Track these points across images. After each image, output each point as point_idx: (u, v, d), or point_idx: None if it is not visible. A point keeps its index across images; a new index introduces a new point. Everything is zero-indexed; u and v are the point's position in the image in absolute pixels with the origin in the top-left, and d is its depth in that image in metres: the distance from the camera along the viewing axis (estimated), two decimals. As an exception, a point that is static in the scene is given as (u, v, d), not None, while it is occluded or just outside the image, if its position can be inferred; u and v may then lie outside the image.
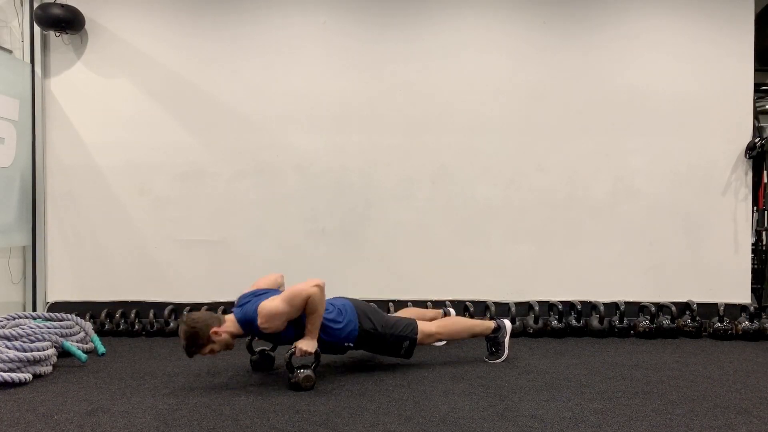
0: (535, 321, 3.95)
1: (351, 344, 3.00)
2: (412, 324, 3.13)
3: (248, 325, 2.78)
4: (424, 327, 3.15)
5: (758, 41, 4.24)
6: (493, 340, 3.29)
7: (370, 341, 3.05)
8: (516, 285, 4.23)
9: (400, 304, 4.01)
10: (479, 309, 4.08)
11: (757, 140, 4.18)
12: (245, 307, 2.82)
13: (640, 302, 4.06)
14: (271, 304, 2.73)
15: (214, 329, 2.73)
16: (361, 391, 2.71)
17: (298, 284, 2.76)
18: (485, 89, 4.25)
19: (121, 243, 4.23)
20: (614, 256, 4.24)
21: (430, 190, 4.25)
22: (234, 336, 2.81)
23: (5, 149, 3.90)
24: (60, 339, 3.17)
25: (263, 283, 3.08)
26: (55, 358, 3.13)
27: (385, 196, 4.24)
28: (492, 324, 3.30)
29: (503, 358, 3.27)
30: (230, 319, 2.82)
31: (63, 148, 4.24)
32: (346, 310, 3.01)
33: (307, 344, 2.78)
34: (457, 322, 3.31)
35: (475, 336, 3.31)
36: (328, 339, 2.91)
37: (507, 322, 3.34)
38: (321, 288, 2.76)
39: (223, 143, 4.23)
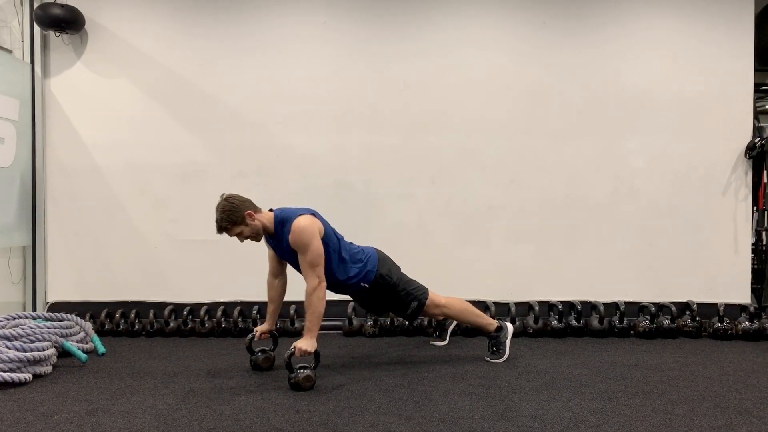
0: (535, 321, 3.95)
1: (366, 285, 3.08)
2: (424, 288, 3.21)
3: (281, 225, 2.90)
4: (434, 296, 3.21)
5: (758, 41, 4.24)
6: (495, 339, 3.30)
7: (383, 289, 3.11)
8: (516, 285, 4.23)
9: (400, 304, 4.02)
10: (479, 309, 4.06)
11: (757, 140, 4.18)
12: (285, 211, 2.95)
13: (640, 302, 4.06)
14: (306, 220, 2.85)
15: (250, 212, 2.83)
16: (361, 391, 2.72)
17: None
18: (485, 89, 4.25)
19: (121, 243, 4.23)
20: (614, 256, 4.24)
21: (430, 190, 4.25)
22: (265, 229, 2.92)
23: (5, 149, 3.90)
24: (60, 339, 3.17)
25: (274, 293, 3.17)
26: (55, 358, 3.13)
27: (385, 196, 4.24)
28: (495, 323, 3.32)
29: (504, 358, 3.27)
30: (268, 215, 2.94)
31: (63, 148, 4.24)
32: (369, 253, 3.15)
33: (307, 344, 2.78)
34: (465, 303, 3.33)
35: (477, 327, 3.33)
36: (347, 274, 3.01)
37: (510, 325, 3.37)
38: (323, 286, 2.85)
39: (223, 143, 4.23)
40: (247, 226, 2.86)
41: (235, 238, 2.92)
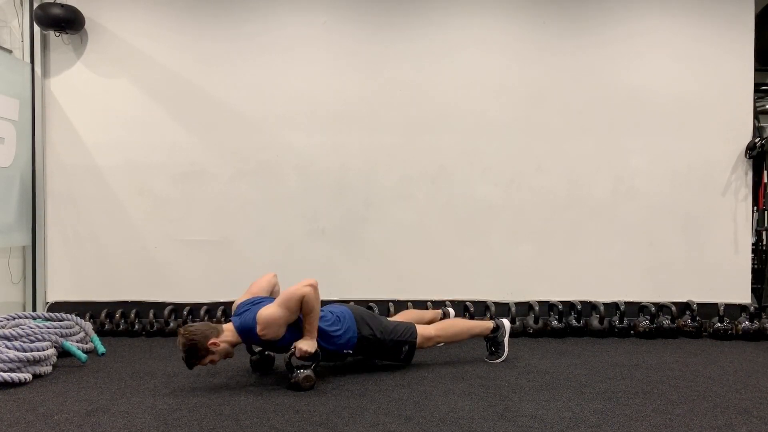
0: (535, 321, 3.95)
1: (350, 351, 3.00)
2: (411, 328, 3.13)
3: (247, 333, 2.77)
4: (423, 331, 3.14)
5: (758, 41, 4.24)
6: (493, 339, 3.29)
7: (369, 347, 3.05)
8: (516, 285, 4.23)
9: (400, 304, 4.02)
10: (479, 309, 4.08)
11: (757, 140, 4.18)
12: (243, 316, 2.81)
13: (640, 302, 4.06)
14: (268, 311, 2.73)
15: (212, 340, 2.71)
16: (361, 391, 2.71)
17: (292, 287, 2.75)
18: (485, 89, 4.25)
19: (121, 243, 4.23)
20: (614, 256, 4.24)
21: (430, 190, 4.25)
22: (233, 345, 2.80)
23: (5, 149, 3.90)
24: (60, 339, 3.17)
25: (256, 287, 3.07)
26: (55, 358, 3.13)
27: (385, 196, 4.24)
28: (491, 324, 3.30)
29: (503, 357, 3.27)
30: (228, 328, 2.81)
31: (63, 148, 4.24)
32: (344, 317, 3.01)
33: (307, 344, 2.78)
34: (455, 324, 3.30)
35: (474, 337, 3.32)
36: (327, 347, 2.90)
37: (506, 322, 3.34)
38: (314, 287, 2.76)
39: (223, 143, 4.23)
40: (214, 354, 2.73)
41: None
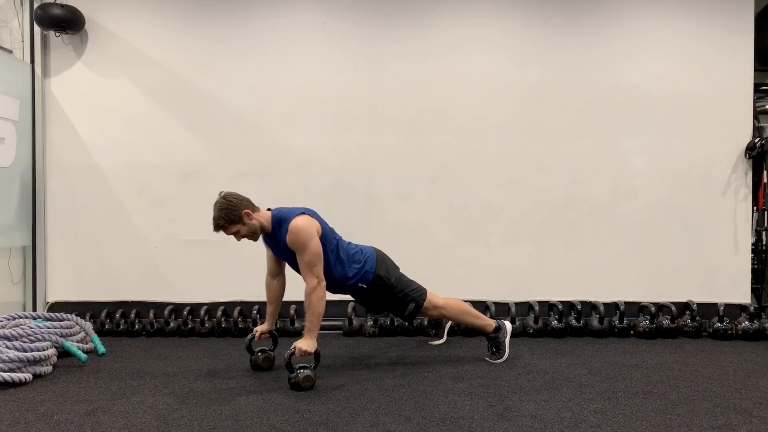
0: (535, 321, 3.95)
1: (364, 285, 3.06)
2: (422, 290, 3.20)
3: (279, 224, 2.89)
4: (432, 297, 3.20)
5: (758, 41, 4.24)
6: (494, 339, 3.30)
7: (380, 290, 3.10)
8: (516, 285, 4.23)
9: (400, 304, 4.02)
10: (479, 309, 4.04)
11: (757, 140, 4.18)
12: (283, 210, 2.95)
13: (640, 302, 4.06)
14: (304, 220, 2.85)
15: (248, 211, 2.82)
16: (361, 391, 2.72)
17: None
18: (485, 88, 4.25)
19: (121, 243, 4.23)
20: (614, 256, 4.24)
21: (430, 190, 4.25)
22: (262, 229, 2.90)
23: (5, 149, 3.90)
24: (60, 339, 3.18)
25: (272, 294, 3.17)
26: (55, 358, 3.13)
27: (385, 196, 4.24)
28: (493, 323, 3.31)
29: (504, 358, 3.27)
30: (266, 214, 2.93)
31: (63, 148, 4.24)
32: (368, 252, 3.13)
33: (307, 344, 2.78)
34: (462, 305, 3.31)
35: (476, 328, 3.32)
36: (344, 275, 2.99)
37: (508, 324, 3.36)
38: (323, 285, 2.84)
39: (223, 143, 4.23)
40: (244, 225, 2.85)
41: (233, 236, 2.91)
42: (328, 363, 3.18)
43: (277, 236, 2.93)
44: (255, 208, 2.91)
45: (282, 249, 2.93)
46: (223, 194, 2.87)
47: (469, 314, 3.28)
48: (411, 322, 3.30)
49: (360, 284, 3.06)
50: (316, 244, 2.84)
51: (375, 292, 3.12)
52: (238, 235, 2.89)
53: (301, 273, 2.89)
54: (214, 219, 2.84)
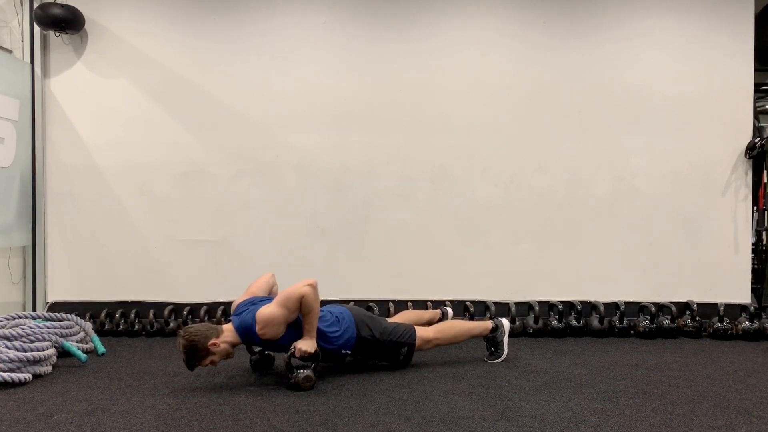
0: (535, 321, 3.95)
1: (348, 351, 3.00)
2: (410, 330, 3.13)
3: (246, 333, 2.78)
4: (422, 333, 3.14)
5: (758, 41, 4.24)
6: (492, 339, 3.29)
7: (368, 348, 3.05)
8: (516, 285, 4.23)
9: (400, 304, 4.02)
10: (479, 309, 4.08)
11: (757, 140, 4.18)
12: (243, 316, 2.81)
13: (640, 302, 4.06)
14: (267, 310, 2.73)
15: (213, 341, 2.71)
16: (361, 391, 2.71)
17: (291, 286, 2.75)
18: (485, 89, 4.25)
19: (121, 243, 4.23)
20: (614, 256, 4.24)
21: (430, 190, 4.25)
22: (233, 345, 2.80)
23: (5, 149, 3.90)
24: (60, 339, 3.17)
25: (255, 287, 3.06)
26: (55, 358, 3.13)
27: (385, 196, 4.24)
28: (489, 324, 3.30)
29: (503, 357, 3.27)
30: (228, 328, 2.81)
31: (63, 148, 4.24)
32: (343, 318, 3.01)
33: (306, 344, 2.78)
34: (454, 326, 3.29)
35: (474, 337, 3.32)
36: (326, 347, 2.90)
37: (505, 321, 3.33)
38: (314, 287, 2.76)
39: (222, 143, 4.23)
40: (214, 354, 2.73)
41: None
42: (328, 363, 3.18)
43: (251, 341, 2.86)
44: (219, 332, 2.76)
45: (266, 343, 2.86)
46: (182, 334, 2.70)
47: (462, 332, 3.25)
48: (408, 364, 3.19)
49: (344, 351, 2.98)
50: (285, 308, 2.72)
51: (363, 352, 3.07)
52: (214, 364, 2.77)
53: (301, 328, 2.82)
54: (184, 362, 2.72)
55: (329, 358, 3.00)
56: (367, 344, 3.03)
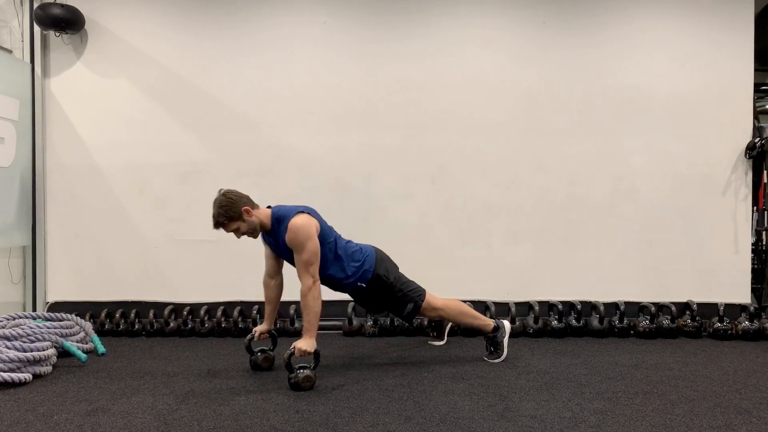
0: (535, 321, 3.95)
1: (363, 284, 3.07)
2: (421, 290, 3.20)
3: (278, 222, 2.89)
4: (431, 298, 3.20)
5: (758, 41, 4.24)
6: (492, 339, 3.30)
7: (379, 289, 3.10)
8: (516, 285, 4.23)
9: (400, 304, 4.02)
10: (479, 309, 4.04)
11: (757, 140, 4.18)
12: (284, 208, 2.95)
13: (640, 302, 4.06)
14: (303, 220, 2.84)
15: (248, 208, 2.81)
16: (361, 391, 2.72)
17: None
18: (485, 88, 4.25)
19: (121, 243, 4.23)
20: (614, 256, 4.24)
21: (430, 190, 4.25)
22: (262, 226, 2.91)
23: (5, 149, 3.90)
24: (60, 339, 3.17)
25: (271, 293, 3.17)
26: (55, 358, 3.13)
27: (385, 196, 4.24)
28: (492, 323, 3.31)
29: (502, 357, 3.27)
30: (266, 211, 2.94)
31: (63, 148, 4.24)
32: (367, 251, 3.13)
33: (306, 344, 2.79)
34: (461, 306, 3.32)
35: (474, 328, 3.33)
36: (344, 273, 2.99)
37: (506, 323, 3.35)
38: (318, 285, 2.84)
39: (223, 143, 4.23)
40: (244, 222, 2.85)
41: (233, 235, 2.91)
42: (328, 363, 3.19)
43: (276, 234, 2.93)
44: (254, 206, 2.92)
45: (281, 247, 2.93)
46: (222, 191, 2.87)
47: (467, 315, 3.28)
48: (410, 322, 3.31)
49: (359, 283, 3.07)
50: (314, 244, 2.84)
51: (374, 292, 3.12)
52: (238, 233, 2.89)
53: (297, 272, 2.89)
54: (213, 216, 2.84)
55: (344, 288, 3.10)
56: (380, 283, 3.09)
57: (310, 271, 2.83)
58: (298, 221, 2.84)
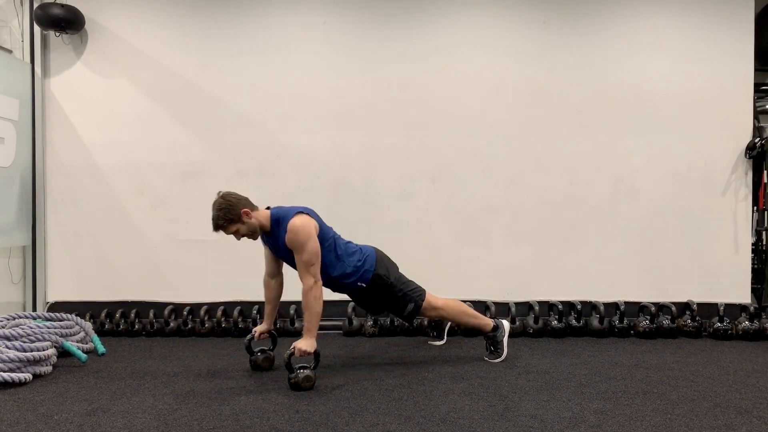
0: (535, 321, 3.95)
1: (363, 285, 3.08)
2: (421, 290, 3.20)
3: (277, 224, 2.90)
4: (431, 298, 3.21)
5: (758, 41, 4.24)
6: (492, 339, 3.30)
7: (380, 289, 3.11)
8: (516, 285, 4.23)
9: (400, 304, 4.02)
10: (479, 309, 4.04)
11: (757, 140, 4.18)
12: (283, 209, 2.96)
13: (640, 302, 4.06)
14: (302, 221, 2.85)
15: (247, 210, 2.83)
16: (361, 391, 2.72)
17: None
18: (485, 88, 4.25)
19: (121, 243, 4.23)
20: (614, 256, 4.24)
21: (430, 190, 4.25)
22: (261, 228, 2.91)
23: (5, 149, 3.90)
24: (60, 339, 3.17)
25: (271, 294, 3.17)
26: (55, 358, 3.13)
27: (385, 196, 4.24)
28: (491, 322, 3.31)
29: (502, 357, 3.27)
30: (265, 213, 2.94)
31: (63, 148, 4.24)
32: (367, 252, 3.14)
33: (306, 344, 2.79)
34: (461, 306, 3.32)
35: (474, 327, 3.33)
36: (344, 273, 3.00)
37: (506, 322, 3.36)
38: (319, 285, 2.85)
39: (223, 143, 4.23)
40: (243, 224, 2.86)
41: (232, 236, 2.92)
42: (328, 363, 3.19)
43: (275, 235, 2.93)
44: (254, 207, 2.92)
45: (280, 248, 2.94)
46: (221, 194, 2.88)
47: (467, 315, 3.29)
48: (411, 322, 3.32)
49: (359, 283, 3.07)
50: (314, 244, 2.85)
51: (374, 292, 3.12)
52: (238, 235, 2.89)
53: (298, 272, 2.89)
54: (213, 219, 2.84)
55: (344, 288, 3.11)
56: (380, 283, 3.09)
57: (311, 271, 2.83)
58: (297, 222, 2.84)
